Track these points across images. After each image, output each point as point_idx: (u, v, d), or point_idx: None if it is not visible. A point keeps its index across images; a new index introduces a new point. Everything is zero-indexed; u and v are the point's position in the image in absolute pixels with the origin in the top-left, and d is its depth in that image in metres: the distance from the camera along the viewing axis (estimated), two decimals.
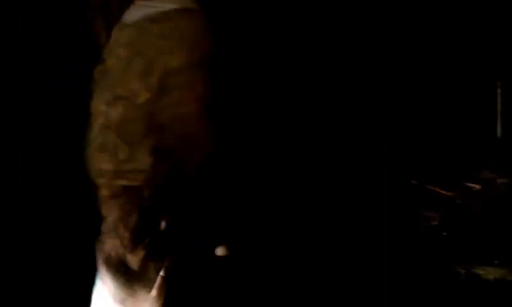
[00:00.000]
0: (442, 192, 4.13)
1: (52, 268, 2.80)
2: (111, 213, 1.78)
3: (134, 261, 1.75)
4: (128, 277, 1.77)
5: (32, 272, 2.79)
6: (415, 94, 4.71)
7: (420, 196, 4.01)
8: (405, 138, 4.41)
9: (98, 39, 2.52)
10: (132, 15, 1.82)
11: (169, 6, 1.72)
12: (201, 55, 1.70)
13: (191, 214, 1.83)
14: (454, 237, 3.26)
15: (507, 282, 2.76)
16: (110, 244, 1.79)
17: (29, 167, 3.03)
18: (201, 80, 1.71)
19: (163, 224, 1.79)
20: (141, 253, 1.75)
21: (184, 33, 1.69)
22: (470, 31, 4.96)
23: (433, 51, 4.80)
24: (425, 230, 3.36)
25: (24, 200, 2.94)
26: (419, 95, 4.82)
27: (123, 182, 1.73)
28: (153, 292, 1.76)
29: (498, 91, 5.20)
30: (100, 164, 1.75)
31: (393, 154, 4.00)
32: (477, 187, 4.18)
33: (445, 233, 3.30)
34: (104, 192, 1.79)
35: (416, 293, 2.64)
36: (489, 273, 2.85)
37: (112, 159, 1.72)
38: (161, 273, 1.78)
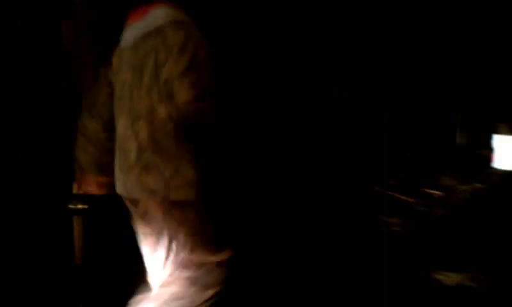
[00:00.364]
0: (404, 198, 4.16)
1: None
2: (167, 227, 1.86)
3: (194, 260, 1.89)
4: (194, 276, 1.89)
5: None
6: (378, 101, 4.76)
7: (382, 202, 4.04)
8: (368, 145, 4.43)
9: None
10: (128, 37, 1.92)
11: (159, 22, 1.81)
12: (193, 58, 1.77)
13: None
14: (415, 243, 3.26)
15: (467, 287, 2.77)
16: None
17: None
18: (200, 79, 1.78)
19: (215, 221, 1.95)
20: (201, 255, 1.88)
21: (175, 43, 1.77)
22: (435, 44, 5.06)
23: (395, 59, 4.87)
24: (387, 235, 3.36)
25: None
26: (382, 103, 4.87)
27: (174, 197, 1.81)
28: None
29: (459, 99, 5.32)
30: (149, 185, 1.81)
31: (356, 160, 4.01)
32: (438, 193, 4.23)
33: (405, 238, 3.31)
34: (155, 210, 1.85)
35: (377, 297, 2.62)
36: (450, 278, 2.85)
37: (160, 178, 1.79)
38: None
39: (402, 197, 4.04)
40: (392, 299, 2.64)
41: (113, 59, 2.01)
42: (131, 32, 1.92)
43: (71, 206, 2.81)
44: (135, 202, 1.92)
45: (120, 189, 1.96)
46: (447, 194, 4.15)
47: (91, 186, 2.14)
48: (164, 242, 1.88)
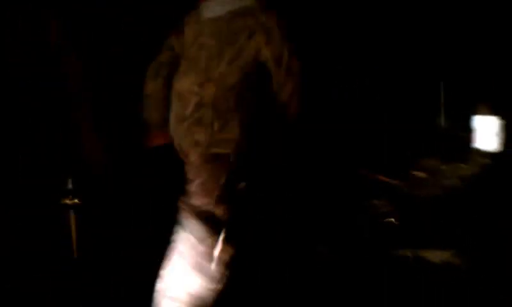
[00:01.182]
0: (389, 180, 4.23)
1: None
2: (201, 176, 2.13)
3: (219, 211, 2.14)
4: (213, 224, 2.14)
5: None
6: (364, 85, 4.80)
7: (368, 184, 4.10)
8: (354, 129, 4.49)
9: None
10: (213, 10, 2.15)
11: (248, 2, 2.10)
12: (280, 41, 2.06)
13: (265, 179, 2.30)
14: (401, 223, 3.33)
15: (453, 264, 2.85)
16: (199, 200, 2.16)
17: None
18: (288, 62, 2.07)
19: (243, 185, 2.19)
20: (225, 206, 2.14)
21: (265, 25, 2.06)
22: (416, 32, 5.11)
23: (381, 46, 4.91)
24: (374, 217, 3.43)
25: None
26: (367, 86, 4.92)
27: (216, 150, 2.09)
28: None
29: (441, 83, 5.38)
30: (196, 135, 2.09)
31: (343, 144, 4.06)
32: (423, 175, 4.31)
33: (392, 220, 3.37)
34: (195, 160, 2.13)
35: (367, 277, 2.69)
36: (436, 256, 2.93)
37: (207, 131, 2.08)
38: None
39: (387, 179, 4.11)
40: (380, 278, 2.71)
41: (185, 27, 2.25)
42: (214, 8, 2.16)
43: (66, 201, 2.84)
44: (186, 155, 2.18)
45: (174, 139, 2.23)
46: (430, 175, 4.22)
47: (160, 139, 2.39)
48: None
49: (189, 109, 2.11)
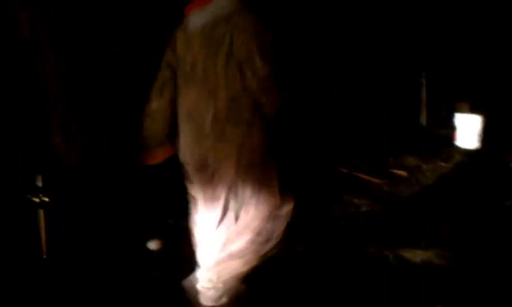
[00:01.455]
0: (369, 179, 4.22)
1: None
2: (235, 185, 2.16)
3: (260, 214, 2.22)
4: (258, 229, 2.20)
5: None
6: (343, 83, 4.80)
7: (349, 183, 4.08)
8: (334, 127, 4.47)
9: None
10: (195, 23, 2.18)
11: (226, 11, 2.12)
12: (249, 43, 2.06)
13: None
14: (382, 222, 3.31)
15: (434, 264, 2.83)
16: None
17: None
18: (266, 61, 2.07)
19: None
20: (267, 209, 2.21)
21: (240, 27, 2.07)
22: (395, 29, 5.12)
23: (358, 44, 4.91)
24: (354, 216, 3.41)
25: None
26: (346, 85, 4.91)
27: (246, 161, 2.12)
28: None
29: (423, 81, 5.40)
30: (224, 150, 2.11)
31: (324, 143, 4.05)
32: (404, 173, 4.31)
33: (373, 218, 3.36)
34: (225, 172, 2.14)
35: (347, 276, 2.66)
36: (417, 256, 2.91)
37: (233, 144, 2.10)
38: None
39: (368, 177, 4.10)
40: (360, 278, 2.68)
41: (176, 42, 2.27)
42: (197, 19, 2.18)
43: (34, 199, 2.77)
44: (204, 167, 2.17)
45: (187, 157, 2.23)
46: (411, 173, 4.23)
47: (158, 158, 2.40)
48: (230, 200, 2.18)
49: (207, 125, 2.13)
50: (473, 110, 5.04)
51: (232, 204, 2.19)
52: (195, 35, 2.19)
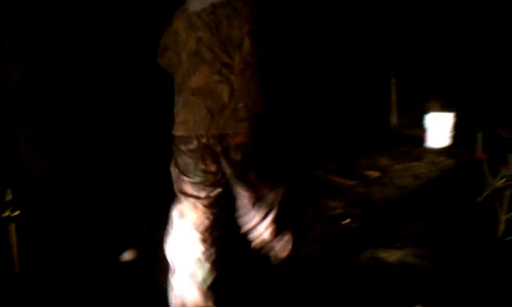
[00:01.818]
0: (342, 181, 4.24)
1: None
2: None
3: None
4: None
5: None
6: (314, 86, 4.82)
7: (322, 185, 4.09)
8: (306, 130, 4.48)
9: None
10: (195, 5, 2.29)
11: None
12: (243, 27, 2.20)
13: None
14: (357, 223, 3.33)
15: (408, 263, 2.85)
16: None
17: None
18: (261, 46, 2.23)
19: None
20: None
21: (238, 11, 2.21)
22: (365, 30, 5.16)
23: (329, 45, 4.93)
24: (329, 218, 3.41)
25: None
26: (318, 88, 4.93)
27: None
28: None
29: (392, 81, 5.46)
30: (241, 115, 2.20)
31: (297, 145, 4.05)
32: (376, 174, 4.34)
33: (347, 220, 3.36)
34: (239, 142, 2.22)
35: (323, 278, 2.66)
36: (392, 255, 2.93)
37: (247, 108, 2.20)
38: None
39: (341, 180, 4.12)
40: (336, 279, 2.69)
41: (176, 23, 2.36)
42: (197, 2, 2.29)
43: (6, 213, 2.71)
44: (221, 137, 2.23)
45: (201, 130, 2.25)
46: (384, 173, 4.26)
47: None
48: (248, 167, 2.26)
49: (225, 98, 2.23)
50: (443, 108, 5.12)
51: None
52: (197, 16, 2.30)
